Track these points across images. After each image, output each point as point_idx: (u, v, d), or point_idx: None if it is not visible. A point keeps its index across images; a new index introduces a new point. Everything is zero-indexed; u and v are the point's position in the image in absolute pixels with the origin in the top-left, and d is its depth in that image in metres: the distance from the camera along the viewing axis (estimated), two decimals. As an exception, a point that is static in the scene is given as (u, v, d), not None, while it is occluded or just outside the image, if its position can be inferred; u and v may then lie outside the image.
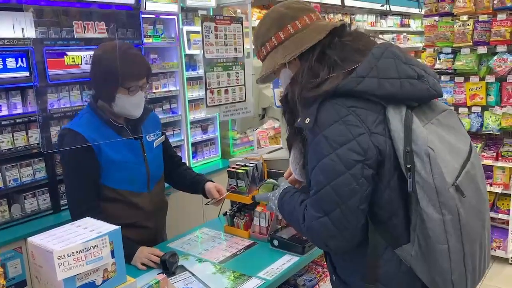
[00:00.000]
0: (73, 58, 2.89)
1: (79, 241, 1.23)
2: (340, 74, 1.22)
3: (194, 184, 2.22)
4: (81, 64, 2.94)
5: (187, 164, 2.48)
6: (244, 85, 2.11)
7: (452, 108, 1.35)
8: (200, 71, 4.04)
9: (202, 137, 4.16)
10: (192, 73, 4.00)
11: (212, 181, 2.22)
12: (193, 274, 1.84)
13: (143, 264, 1.89)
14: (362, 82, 1.19)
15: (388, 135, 1.19)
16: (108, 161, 1.90)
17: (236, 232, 2.21)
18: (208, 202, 2.16)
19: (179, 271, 1.87)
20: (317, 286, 2.08)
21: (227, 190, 2.33)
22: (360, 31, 1.35)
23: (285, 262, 1.90)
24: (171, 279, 1.79)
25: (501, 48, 3.56)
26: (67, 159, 1.92)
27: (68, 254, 1.19)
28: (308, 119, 1.21)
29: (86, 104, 2.96)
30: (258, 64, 2.45)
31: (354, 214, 1.18)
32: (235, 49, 1.99)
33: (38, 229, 2.73)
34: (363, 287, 1.29)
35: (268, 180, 1.64)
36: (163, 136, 2.17)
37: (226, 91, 2.03)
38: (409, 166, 1.16)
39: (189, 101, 3.97)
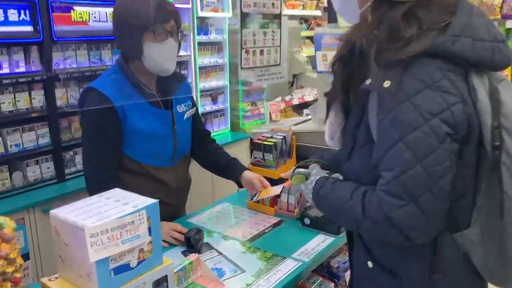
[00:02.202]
0: (80, 14, 2.65)
1: (113, 216, 1.05)
2: (430, 31, 1.03)
3: (229, 168, 1.99)
4: (89, 21, 2.70)
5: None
6: (280, 46, 1.89)
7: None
8: (212, 36, 3.82)
9: (211, 107, 3.96)
10: (204, 38, 3.75)
11: (249, 169, 2.01)
12: (220, 253, 1.68)
13: (164, 241, 1.72)
14: (457, 42, 1.01)
15: (473, 107, 1.03)
16: (133, 130, 1.70)
17: (261, 208, 2.03)
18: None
19: (204, 249, 1.71)
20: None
21: (251, 164, 2.16)
22: None
23: (320, 242, 1.74)
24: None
25: (531, 23, 3.38)
26: (87, 121, 1.72)
27: (101, 231, 1.01)
28: (388, 82, 1.01)
29: (106, 65, 2.76)
30: (292, 25, 2.25)
31: (445, 196, 1.02)
32: (273, 4, 1.76)
33: (41, 199, 2.57)
34: (420, 277, 1.14)
35: (298, 170, 1.45)
36: (195, 107, 1.96)
37: (262, 52, 1.82)
38: (497, 144, 1.01)
39: (200, 68, 3.74)
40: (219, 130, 4.04)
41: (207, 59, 3.81)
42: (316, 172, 1.34)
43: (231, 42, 3.97)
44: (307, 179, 1.37)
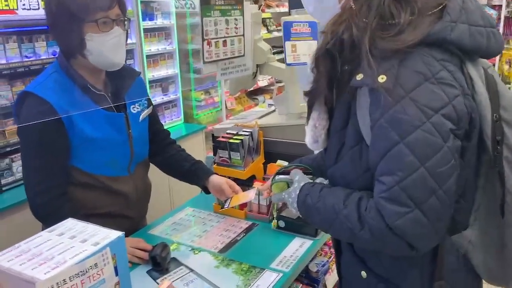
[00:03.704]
0: (6, 1, 2.30)
1: (70, 260, 0.85)
2: (426, 17, 0.93)
3: (193, 173, 1.79)
4: (17, 9, 2.35)
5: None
6: (243, 35, 1.71)
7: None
8: (159, 21, 3.54)
9: (162, 98, 3.69)
10: (149, 23, 3.46)
11: (217, 174, 1.82)
12: (191, 270, 1.51)
13: (127, 260, 1.52)
14: (455, 29, 0.92)
15: (473, 99, 0.95)
16: (83, 139, 1.47)
17: (230, 212, 1.87)
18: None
19: (172, 266, 1.54)
20: (330, 271, 1.83)
21: (214, 163, 1.98)
22: None
23: (298, 247, 1.62)
24: (166, 278, 1.46)
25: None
26: (26, 134, 1.46)
27: (58, 283, 0.81)
28: (383, 77, 0.90)
29: (52, 60, 2.43)
30: (254, 11, 2.07)
31: (451, 199, 0.92)
32: (233, -13, 1.57)
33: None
34: (420, 286, 1.05)
35: (278, 177, 1.29)
36: (151, 107, 1.73)
37: (225, 43, 1.63)
38: (498, 138, 0.95)
39: (147, 56, 3.46)
40: (171, 122, 3.79)
41: (154, 47, 3.53)
42: (299, 178, 1.20)
43: (179, 27, 3.71)
44: (288, 186, 1.22)
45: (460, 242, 1.04)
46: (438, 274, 1.03)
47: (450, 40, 0.91)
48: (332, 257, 1.91)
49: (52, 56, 2.60)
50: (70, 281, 0.83)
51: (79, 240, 0.92)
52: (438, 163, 0.88)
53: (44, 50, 2.59)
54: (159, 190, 1.88)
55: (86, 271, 0.86)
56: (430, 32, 0.90)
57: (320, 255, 1.90)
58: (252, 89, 4.27)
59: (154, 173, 1.85)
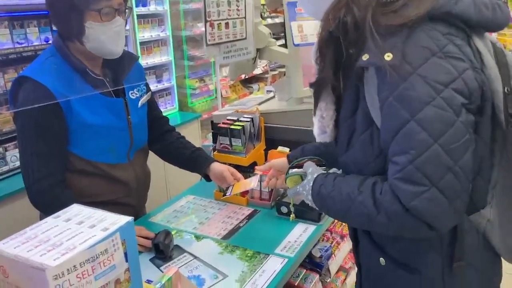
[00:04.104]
0: (-4, -15, 2.24)
1: (79, 246, 0.82)
2: None
3: (193, 160, 1.76)
4: (8, -7, 2.29)
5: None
6: (245, 18, 1.67)
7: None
8: (152, 7, 3.48)
9: (156, 86, 3.64)
10: (143, 10, 3.40)
11: (218, 161, 1.78)
12: (195, 257, 1.50)
13: (129, 249, 1.50)
14: (459, 2, 0.91)
15: (483, 73, 0.94)
16: (81, 124, 1.43)
17: (231, 199, 1.85)
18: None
19: (176, 253, 1.52)
20: (333, 256, 1.82)
21: (214, 150, 1.96)
22: None
23: (301, 232, 1.61)
24: (169, 265, 1.44)
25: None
26: (24, 118, 1.42)
27: (68, 269, 0.78)
28: (389, 55, 0.88)
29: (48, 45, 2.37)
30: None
31: (468, 175, 0.90)
32: (235, -35, 1.53)
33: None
34: (441, 268, 1.02)
35: (291, 171, 1.28)
36: (150, 92, 1.69)
37: (227, 25, 1.59)
38: (511, 111, 0.93)
39: (140, 43, 3.40)
40: (166, 111, 3.74)
41: (147, 33, 3.47)
42: (312, 170, 1.17)
43: (172, 14, 3.65)
44: (302, 179, 1.20)
45: (479, 221, 1.02)
46: (457, 255, 1.01)
47: (455, 13, 0.90)
48: (333, 242, 1.91)
49: (45, 43, 2.54)
50: (81, 267, 0.80)
51: (87, 226, 0.89)
52: (451, 138, 0.87)
53: (36, 36, 2.53)
54: (154, 180, 1.85)
55: (97, 257, 0.83)
56: (434, 6, 0.89)
57: (323, 240, 1.90)
58: (246, 77, 4.23)
59: (149, 163, 1.82)
